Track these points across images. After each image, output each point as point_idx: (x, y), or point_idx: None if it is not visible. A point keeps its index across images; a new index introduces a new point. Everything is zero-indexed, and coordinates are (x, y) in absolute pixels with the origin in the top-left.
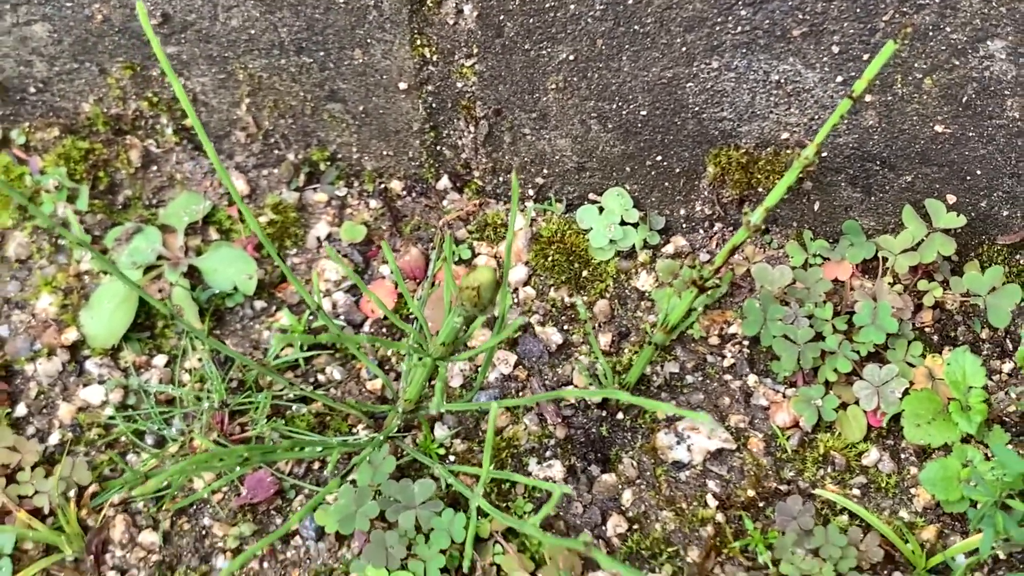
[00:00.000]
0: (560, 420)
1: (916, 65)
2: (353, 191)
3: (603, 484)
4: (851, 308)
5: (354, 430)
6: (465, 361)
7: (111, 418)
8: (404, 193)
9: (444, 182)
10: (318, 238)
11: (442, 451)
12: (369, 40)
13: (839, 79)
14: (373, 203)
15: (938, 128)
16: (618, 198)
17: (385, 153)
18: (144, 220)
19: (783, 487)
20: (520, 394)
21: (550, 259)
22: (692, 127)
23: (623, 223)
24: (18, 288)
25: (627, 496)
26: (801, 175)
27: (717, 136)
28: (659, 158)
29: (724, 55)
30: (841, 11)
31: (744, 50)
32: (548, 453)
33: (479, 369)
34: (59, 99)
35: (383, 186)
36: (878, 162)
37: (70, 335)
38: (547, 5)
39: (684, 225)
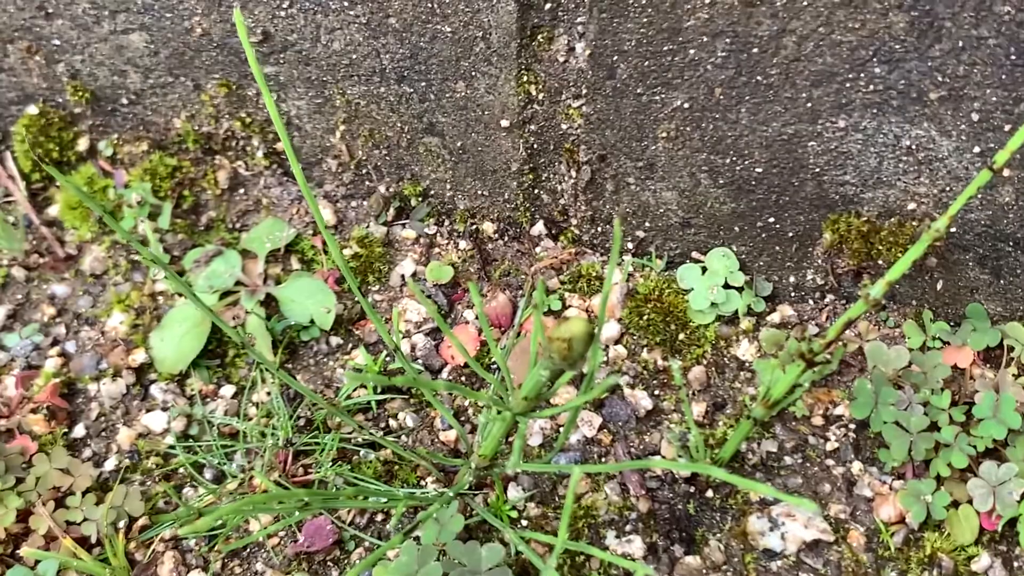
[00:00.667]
0: (644, 492)
1: None
2: (443, 230)
3: (686, 567)
4: (970, 398)
5: (422, 483)
6: (546, 419)
7: (171, 447)
8: (496, 236)
9: (539, 228)
10: (402, 276)
11: (514, 514)
12: (474, 73)
13: (976, 149)
14: (463, 244)
15: None
16: (724, 259)
17: (480, 193)
18: (225, 244)
19: None
20: (603, 460)
21: (645, 318)
22: (811, 189)
23: (727, 286)
24: (90, 304)
25: None
26: (927, 250)
27: (837, 201)
28: (771, 220)
29: (852, 114)
30: (984, 76)
31: (875, 111)
32: (628, 527)
33: (560, 429)
34: (151, 113)
35: (475, 227)
36: (1011, 243)
37: (138, 356)
38: (665, 48)
39: (793, 294)
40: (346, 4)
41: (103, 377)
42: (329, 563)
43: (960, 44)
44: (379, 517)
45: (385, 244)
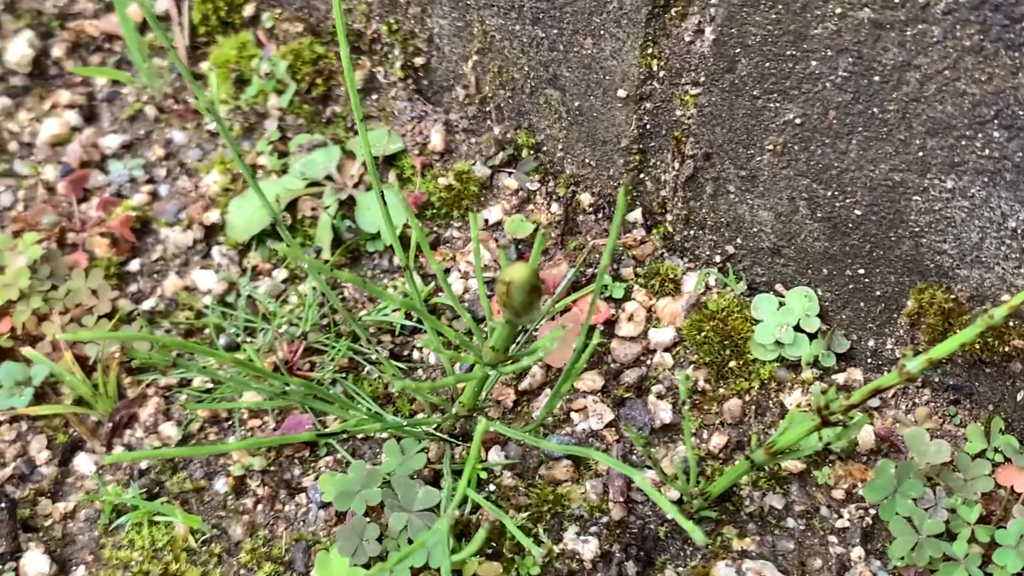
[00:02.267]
0: (623, 500)
1: None
2: (544, 189)
3: None
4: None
5: (414, 416)
6: (559, 400)
7: (205, 307)
8: (590, 210)
9: (636, 215)
10: (486, 220)
11: (484, 475)
12: (602, 32)
13: None
14: (555, 207)
15: None
16: (805, 300)
17: (587, 161)
18: (335, 139)
19: None
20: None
21: (703, 334)
22: (906, 249)
23: (798, 328)
24: (197, 157)
25: None
26: (1010, 352)
27: (931, 270)
28: (861, 271)
29: (963, 177)
30: None
31: (986, 179)
32: (593, 528)
33: (573, 413)
34: None
35: (573, 194)
36: None
37: (212, 216)
38: (787, 53)
39: (869, 360)
40: None
41: (177, 225)
42: (296, 459)
43: None
44: (360, 435)
45: (483, 186)
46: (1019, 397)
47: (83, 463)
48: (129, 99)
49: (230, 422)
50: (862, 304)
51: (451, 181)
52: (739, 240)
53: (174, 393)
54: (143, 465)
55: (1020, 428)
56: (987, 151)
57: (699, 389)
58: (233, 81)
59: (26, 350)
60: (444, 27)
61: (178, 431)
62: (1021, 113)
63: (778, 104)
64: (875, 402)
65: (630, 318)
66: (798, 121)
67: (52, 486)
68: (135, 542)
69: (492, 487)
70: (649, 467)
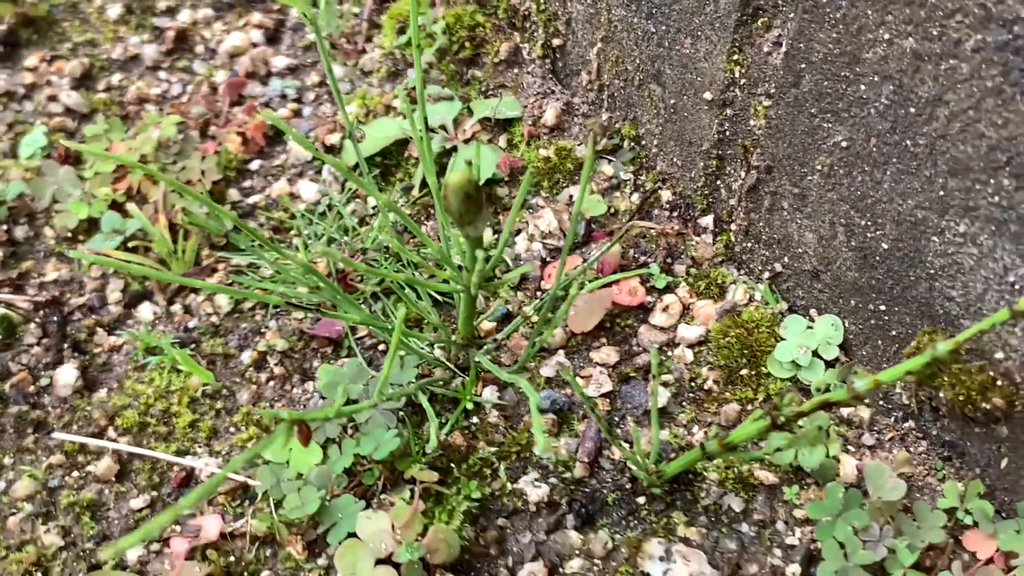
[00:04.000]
0: (588, 462)
1: None
2: (634, 180)
3: (563, 536)
4: None
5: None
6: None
7: (297, 210)
8: (667, 207)
9: (708, 220)
10: (571, 195)
11: (471, 406)
12: (699, 33)
13: None
14: (635, 197)
15: None
16: (831, 328)
17: (675, 160)
18: (464, 98)
19: None
20: (581, 420)
21: (727, 339)
22: (921, 291)
23: (816, 354)
24: (346, 90)
25: (573, 564)
26: (991, 410)
27: (940, 316)
28: (882, 308)
29: (974, 223)
30: None
31: (993, 228)
32: (551, 479)
33: (571, 369)
34: None
35: (657, 189)
36: None
37: (333, 138)
38: (843, 73)
39: (881, 402)
40: None
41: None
42: (319, 353)
43: None
44: (381, 346)
45: (580, 165)
46: (1003, 465)
47: (144, 311)
48: (311, 32)
49: (278, 309)
50: (880, 342)
51: (550, 154)
52: (786, 259)
53: (242, 271)
54: (191, 324)
55: (1001, 497)
56: (996, 198)
57: (706, 388)
58: (396, 31)
59: (131, 206)
60: (580, 12)
61: (229, 303)
62: None
63: (830, 125)
64: (870, 440)
65: (665, 309)
66: (845, 144)
67: (113, 322)
68: (153, 380)
69: (475, 419)
70: (627, 441)
